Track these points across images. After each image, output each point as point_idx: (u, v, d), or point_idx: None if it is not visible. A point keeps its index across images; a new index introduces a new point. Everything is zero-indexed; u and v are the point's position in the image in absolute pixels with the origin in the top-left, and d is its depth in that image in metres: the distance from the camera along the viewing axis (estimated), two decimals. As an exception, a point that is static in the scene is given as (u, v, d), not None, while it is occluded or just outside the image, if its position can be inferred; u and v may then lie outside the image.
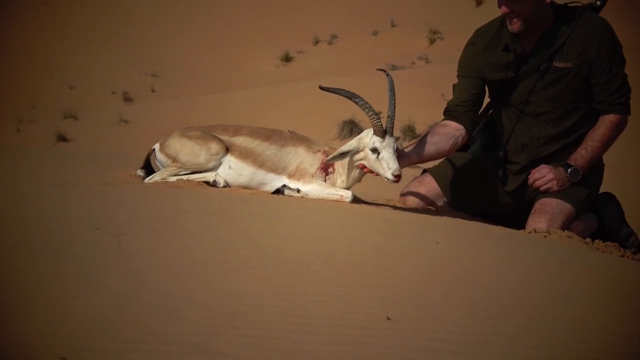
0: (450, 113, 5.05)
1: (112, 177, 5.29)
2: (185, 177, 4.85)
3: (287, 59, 34.79)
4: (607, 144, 5.00)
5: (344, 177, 4.73)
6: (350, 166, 4.69)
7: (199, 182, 4.81)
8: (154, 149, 5.03)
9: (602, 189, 5.35)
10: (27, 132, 22.66)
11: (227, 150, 4.87)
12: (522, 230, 4.84)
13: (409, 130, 15.93)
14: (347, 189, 4.73)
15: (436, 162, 5.38)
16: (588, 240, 4.68)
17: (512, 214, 5.24)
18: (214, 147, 4.83)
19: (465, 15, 31.91)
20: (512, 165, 5.23)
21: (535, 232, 4.72)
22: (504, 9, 4.86)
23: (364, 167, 4.63)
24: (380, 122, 4.50)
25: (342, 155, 4.62)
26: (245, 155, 4.84)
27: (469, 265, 3.17)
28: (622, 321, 2.42)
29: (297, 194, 4.73)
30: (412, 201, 5.32)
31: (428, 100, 17.43)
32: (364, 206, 4.66)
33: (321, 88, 4.70)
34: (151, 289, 2.19)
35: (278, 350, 1.83)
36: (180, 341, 1.83)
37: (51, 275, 2.27)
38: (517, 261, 3.48)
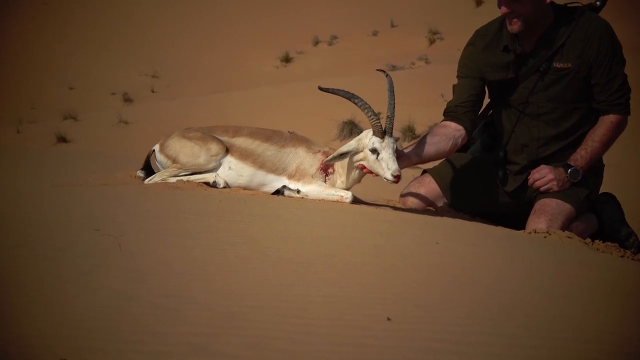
0: (450, 114, 5.05)
1: (112, 178, 5.29)
2: (185, 178, 4.85)
3: (287, 59, 34.80)
4: (607, 144, 5.01)
5: (343, 178, 4.73)
6: (350, 167, 4.69)
7: (199, 183, 4.81)
8: (153, 150, 5.03)
9: (602, 189, 5.36)
10: (27, 132, 22.65)
11: (227, 151, 4.87)
12: (522, 231, 4.84)
13: (409, 131, 15.93)
14: (347, 189, 4.73)
15: (436, 163, 5.39)
16: (588, 240, 4.68)
17: (512, 214, 5.24)
18: (214, 148, 4.83)
19: (465, 15, 31.92)
20: (512, 166, 5.24)
21: (535, 232, 4.73)
22: (503, 9, 4.86)
23: (363, 167, 4.63)
24: (379, 122, 4.50)
25: (342, 156, 4.62)
26: (245, 156, 4.84)
27: (468, 265, 3.17)
28: (622, 321, 2.42)
29: (297, 195, 4.73)
30: (412, 202, 5.32)
31: (428, 100, 17.43)
32: (363, 207, 4.66)
33: (320, 89, 4.70)
34: (151, 289, 2.19)
35: (278, 351, 1.83)
36: (181, 341, 1.83)
37: (51, 275, 2.27)
38: (517, 261, 3.48)
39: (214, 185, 4.80)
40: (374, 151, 4.50)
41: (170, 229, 3.22)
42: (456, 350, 1.96)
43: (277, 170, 4.82)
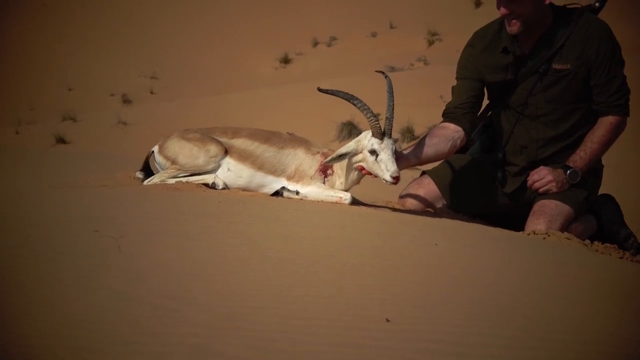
0: (449, 115, 5.06)
1: (111, 179, 5.29)
2: (184, 179, 4.85)
3: (285, 60, 34.80)
4: (606, 145, 5.01)
5: (342, 179, 4.73)
6: (349, 168, 4.69)
7: (198, 184, 4.81)
8: (152, 151, 5.03)
9: (602, 191, 5.36)
10: (26, 133, 22.64)
11: (226, 152, 4.87)
12: (521, 232, 4.84)
13: (408, 132, 15.93)
14: (346, 190, 4.73)
15: (435, 164, 5.39)
16: (587, 241, 4.68)
17: (511, 215, 5.24)
18: (213, 149, 4.83)
19: (464, 16, 31.93)
20: (511, 167, 5.24)
21: (534, 233, 4.73)
22: (502, 10, 4.87)
23: (362, 169, 4.63)
24: (378, 124, 4.50)
25: (341, 157, 4.62)
26: (244, 157, 4.84)
27: (467, 266, 3.17)
28: (621, 322, 2.42)
29: (296, 196, 4.73)
30: (411, 203, 5.33)
31: (427, 101, 17.43)
32: (362, 208, 4.66)
33: (320, 90, 4.70)
34: (151, 290, 2.19)
35: (278, 351, 1.83)
36: (181, 342, 1.83)
37: (51, 275, 2.27)
38: (515, 263, 3.48)
39: (213, 186, 4.80)
40: (373, 152, 4.50)
41: (169, 230, 3.22)
42: (455, 351, 1.96)
43: (276, 171, 4.82)
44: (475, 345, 2.02)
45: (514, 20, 4.87)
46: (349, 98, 4.61)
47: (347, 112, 15.89)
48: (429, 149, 4.89)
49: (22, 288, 2.13)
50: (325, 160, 4.65)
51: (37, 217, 3.39)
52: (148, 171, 5.10)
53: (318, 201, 4.68)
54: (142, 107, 27.05)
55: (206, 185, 4.82)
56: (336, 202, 4.66)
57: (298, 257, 2.88)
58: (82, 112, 26.16)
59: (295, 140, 4.89)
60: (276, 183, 4.82)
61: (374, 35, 35.20)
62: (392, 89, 4.67)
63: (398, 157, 4.61)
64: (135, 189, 4.72)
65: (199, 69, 35.01)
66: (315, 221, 4.01)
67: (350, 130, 16.59)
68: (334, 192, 4.70)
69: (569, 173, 4.99)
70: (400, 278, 2.73)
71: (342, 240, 3.48)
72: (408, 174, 7.40)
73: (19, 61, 36.20)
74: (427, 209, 5.30)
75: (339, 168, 4.73)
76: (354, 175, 4.71)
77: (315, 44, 36.25)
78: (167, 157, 4.92)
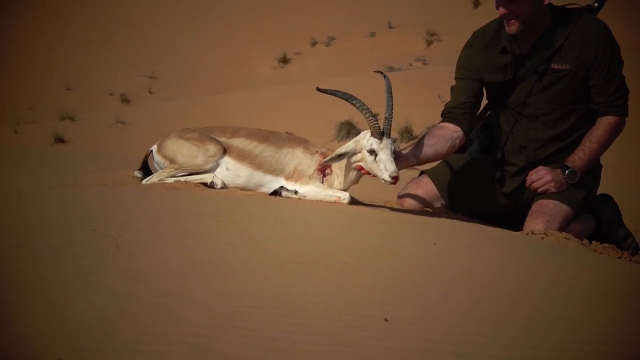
0: (448, 115, 5.06)
1: (110, 178, 5.29)
2: (182, 179, 4.85)
3: (284, 60, 34.79)
4: (604, 145, 5.01)
5: (341, 179, 4.73)
6: (348, 168, 4.69)
7: (197, 183, 4.81)
8: (151, 151, 5.03)
9: (601, 191, 5.37)
10: (25, 133, 22.63)
11: (225, 151, 4.87)
12: (519, 232, 4.84)
13: (406, 132, 15.93)
14: (345, 190, 4.73)
15: (433, 164, 5.39)
16: (585, 241, 4.69)
17: (510, 215, 5.24)
18: (212, 148, 4.83)
19: (463, 16, 31.91)
20: (510, 167, 5.24)
21: (532, 233, 4.73)
22: (501, 10, 4.87)
23: (361, 168, 4.63)
24: (377, 123, 4.50)
25: (340, 157, 4.62)
26: (243, 156, 4.84)
27: (466, 266, 3.17)
28: (620, 322, 2.43)
29: (295, 196, 4.73)
30: (410, 203, 5.32)
31: (425, 101, 17.43)
32: (361, 208, 4.66)
33: (318, 90, 4.71)
34: (151, 289, 2.20)
35: (278, 351, 1.83)
36: (180, 341, 1.83)
37: (51, 275, 2.27)
38: (514, 263, 3.49)
39: (211, 185, 4.81)
40: (372, 152, 4.50)
41: (169, 229, 3.23)
42: (454, 351, 1.97)
43: (274, 171, 4.82)
44: (475, 345, 2.02)
45: (512, 20, 4.87)
46: (348, 98, 4.61)
47: (345, 111, 15.89)
48: (427, 149, 4.89)
49: (22, 288, 2.13)
50: (324, 160, 4.65)
51: (37, 217, 3.39)
52: (146, 170, 5.11)
53: (316, 201, 4.68)
54: (141, 107, 27.03)
55: (205, 184, 4.82)
56: (335, 202, 4.66)
57: (297, 256, 2.89)
58: (80, 111, 26.15)
59: (293, 140, 4.89)
60: (275, 182, 4.82)
61: (372, 35, 35.19)
62: (390, 88, 4.67)
63: (397, 157, 4.61)
64: (134, 188, 4.72)
65: (198, 69, 35.00)
66: (314, 221, 4.01)
67: (349, 130, 16.59)
68: (333, 191, 4.70)
69: (568, 173, 4.99)
70: (400, 278, 2.73)
71: (341, 240, 3.48)
72: (407, 174, 7.40)
73: (18, 61, 36.18)
74: (426, 208, 5.30)
75: (338, 168, 4.73)
76: (352, 175, 4.71)
77: (314, 43, 36.24)
78: (165, 157, 4.92)
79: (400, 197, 5.40)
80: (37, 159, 8.07)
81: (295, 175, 4.79)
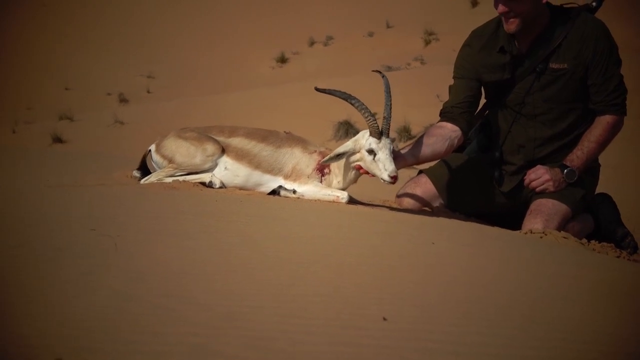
0: (446, 114, 5.07)
1: (109, 178, 5.29)
2: (181, 178, 4.85)
3: (282, 60, 34.80)
4: (603, 144, 5.02)
5: (340, 178, 4.73)
6: (347, 167, 4.69)
7: (195, 183, 4.81)
8: (149, 150, 5.03)
9: (601, 190, 5.37)
10: (23, 133, 22.64)
11: (223, 151, 4.87)
12: (518, 231, 4.84)
13: (405, 131, 15.95)
14: (343, 190, 4.73)
15: (432, 163, 5.39)
16: (584, 240, 4.69)
17: (508, 214, 5.25)
18: (210, 148, 4.83)
19: (461, 16, 31.95)
20: (508, 166, 5.24)
21: (531, 232, 4.73)
22: (501, 7, 4.86)
23: (360, 168, 4.63)
24: (376, 123, 4.50)
25: (339, 156, 4.62)
26: (241, 156, 4.84)
27: (465, 265, 3.18)
28: (620, 322, 2.43)
29: (293, 195, 4.73)
30: (408, 202, 5.33)
31: (424, 101, 17.45)
32: (360, 207, 4.66)
33: (317, 89, 4.71)
34: (151, 289, 2.20)
35: (278, 351, 1.84)
36: (180, 341, 1.83)
37: (51, 275, 2.27)
38: (513, 262, 3.49)
39: (210, 185, 4.80)
40: (371, 152, 4.50)
41: (169, 229, 3.23)
42: (453, 350, 1.97)
43: (273, 170, 4.82)
44: (474, 345, 2.02)
45: (512, 19, 4.87)
46: (347, 97, 4.61)
47: (343, 111, 15.91)
48: (426, 149, 4.90)
49: (22, 288, 2.13)
50: (323, 159, 4.66)
51: (37, 217, 3.39)
52: (145, 170, 5.10)
53: (315, 200, 4.68)
54: (139, 107, 27.04)
55: (203, 184, 4.82)
56: (333, 201, 4.66)
57: (297, 256, 2.89)
58: (79, 111, 26.15)
59: (292, 139, 4.89)
60: (273, 182, 4.82)
61: (370, 34, 35.21)
62: (389, 88, 4.67)
63: (395, 156, 4.61)
64: (134, 188, 4.72)
65: (198, 69, 35.01)
66: (313, 220, 4.01)
67: (347, 130, 16.62)
68: (331, 191, 4.70)
69: (566, 172, 5.00)
70: (398, 277, 2.73)
71: (339, 239, 3.49)
72: (405, 173, 7.41)
73: (18, 61, 36.19)
74: (424, 208, 5.31)
75: (336, 167, 4.74)
76: (351, 174, 4.72)
77: (312, 43, 36.25)
78: (164, 156, 4.92)
79: (398, 196, 5.40)
80: (36, 159, 8.07)
81: (293, 175, 4.79)
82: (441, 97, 15.84)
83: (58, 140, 20.65)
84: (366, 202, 5.07)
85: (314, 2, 40.86)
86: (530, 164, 5.16)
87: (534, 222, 4.89)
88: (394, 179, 4.43)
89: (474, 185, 5.29)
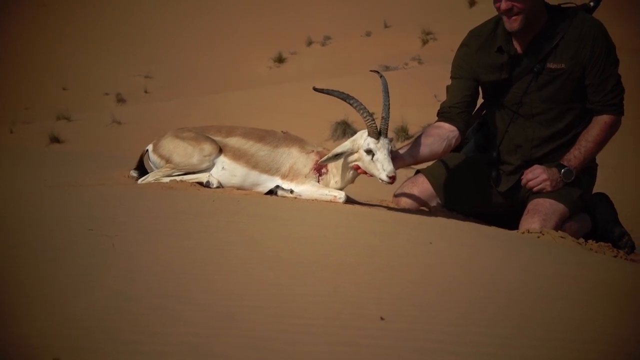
0: (443, 114, 5.07)
1: (107, 178, 5.29)
2: (178, 178, 4.85)
3: (279, 60, 34.78)
4: (600, 144, 5.02)
5: (337, 178, 4.74)
6: (344, 167, 4.69)
7: (192, 183, 4.81)
8: (147, 150, 5.03)
9: (600, 190, 5.38)
10: (21, 133, 22.60)
11: (221, 151, 4.87)
12: (515, 231, 4.85)
13: (402, 131, 15.94)
14: (341, 189, 4.73)
15: (429, 163, 5.40)
16: (581, 240, 4.69)
17: (506, 214, 5.25)
18: (207, 148, 4.83)
19: (459, 16, 31.96)
20: (506, 166, 5.25)
21: (528, 232, 4.73)
22: (504, 4, 4.84)
23: (358, 168, 4.63)
24: (374, 123, 4.50)
25: (337, 156, 4.62)
26: (239, 156, 4.84)
27: (464, 265, 3.18)
28: (620, 322, 2.43)
29: (291, 195, 4.73)
30: (406, 202, 5.33)
31: (421, 101, 17.45)
32: (357, 207, 4.66)
33: (315, 89, 4.71)
34: (151, 289, 2.20)
35: (277, 351, 1.84)
36: (180, 342, 1.83)
37: (51, 275, 2.27)
38: (512, 262, 3.49)
39: (207, 185, 4.81)
40: (369, 152, 4.50)
41: (169, 229, 3.23)
42: (451, 350, 1.97)
43: (270, 170, 4.82)
44: (472, 344, 2.02)
45: (515, 16, 4.86)
46: (345, 97, 4.61)
47: (341, 111, 15.89)
48: (424, 149, 4.90)
49: (22, 288, 2.13)
50: (321, 160, 4.66)
51: (36, 217, 3.39)
52: (142, 170, 5.10)
53: (312, 200, 4.68)
54: (137, 107, 27.02)
55: (200, 184, 4.82)
56: (331, 201, 4.66)
57: (297, 256, 2.89)
58: (77, 111, 26.12)
59: (289, 139, 4.89)
60: (270, 182, 4.82)
61: (368, 34, 35.21)
62: (387, 88, 4.66)
63: (393, 156, 4.61)
64: (133, 188, 4.71)
65: (198, 69, 34.98)
66: (311, 220, 4.02)
67: (345, 130, 16.60)
68: (328, 190, 4.70)
69: (563, 172, 5.00)
70: (397, 277, 2.74)
71: (338, 239, 3.49)
72: (402, 173, 7.40)
73: (18, 61, 36.14)
74: (422, 207, 5.31)
75: (334, 167, 4.74)
76: (349, 174, 4.72)
77: (310, 43, 36.24)
78: (161, 156, 4.92)
79: (396, 196, 5.41)
80: (36, 159, 8.06)
81: (291, 175, 4.79)
82: (439, 97, 15.85)
83: (55, 140, 20.62)
84: (364, 201, 5.08)
85: (312, 2, 40.85)
86: (528, 164, 5.16)
87: (531, 221, 4.90)
88: (392, 179, 4.43)
89: (471, 185, 5.30)
